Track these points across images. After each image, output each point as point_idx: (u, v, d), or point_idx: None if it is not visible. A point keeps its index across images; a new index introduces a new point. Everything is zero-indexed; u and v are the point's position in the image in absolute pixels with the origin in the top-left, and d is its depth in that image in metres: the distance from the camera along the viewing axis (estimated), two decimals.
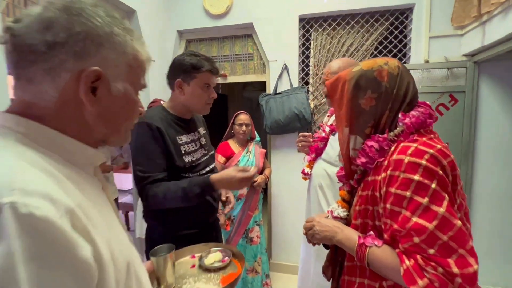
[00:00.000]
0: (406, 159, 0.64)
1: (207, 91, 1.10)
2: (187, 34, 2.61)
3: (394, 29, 2.15)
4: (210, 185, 1.00)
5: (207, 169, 1.21)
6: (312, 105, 2.30)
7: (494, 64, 1.90)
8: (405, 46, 2.16)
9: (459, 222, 0.59)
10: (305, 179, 1.47)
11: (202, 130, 1.27)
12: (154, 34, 2.35)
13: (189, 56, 1.08)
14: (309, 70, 2.36)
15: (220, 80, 2.60)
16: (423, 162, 0.62)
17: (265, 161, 2.20)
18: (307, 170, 1.42)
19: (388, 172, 0.67)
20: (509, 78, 1.89)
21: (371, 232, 0.72)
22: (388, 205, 0.66)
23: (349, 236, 0.76)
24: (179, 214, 1.10)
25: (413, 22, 2.08)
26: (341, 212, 0.85)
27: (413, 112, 0.73)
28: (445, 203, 0.60)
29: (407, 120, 0.71)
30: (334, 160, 1.26)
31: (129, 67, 0.47)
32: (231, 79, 2.61)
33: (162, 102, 2.11)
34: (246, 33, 2.48)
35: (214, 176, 1.01)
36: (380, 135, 0.74)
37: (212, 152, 1.30)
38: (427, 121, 0.73)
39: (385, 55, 2.21)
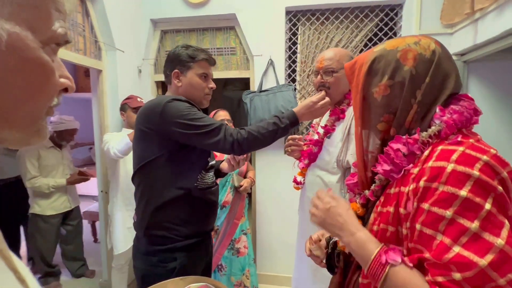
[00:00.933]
0: (450, 167, 0.48)
1: (205, 81, 1.08)
2: (162, 24, 2.35)
3: (384, 26, 2.07)
4: (296, 117, 1.02)
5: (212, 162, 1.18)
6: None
7: (483, 64, 1.87)
8: None
9: None
10: (297, 188, 1.30)
11: None
12: (123, 22, 2.08)
13: (184, 47, 1.08)
14: (296, 66, 2.22)
15: None
16: (475, 172, 0.46)
17: (248, 164, 2.02)
18: (299, 178, 1.25)
19: (421, 182, 0.51)
20: (498, 79, 1.87)
21: (400, 248, 0.57)
22: (417, 225, 0.50)
23: (363, 243, 0.58)
24: (182, 222, 1.01)
25: (403, 19, 2.01)
26: None
27: (453, 107, 0.57)
28: (504, 231, 0.45)
29: (447, 117, 0.56)
30: (331, 167, 1.11)
31: None
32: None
33: (139, 99, 1.88)
34: (228, 25, 2.28)
35: (296, 109, 1.04)
36: (408, 136, 0.59)
37: None
38: (472, 118, 0.57)
39: None
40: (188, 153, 1.02)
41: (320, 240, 0.84)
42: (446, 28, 1.93)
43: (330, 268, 0.77)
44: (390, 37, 2.08)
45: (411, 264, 0.51)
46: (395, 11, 2.06)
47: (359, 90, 0.63)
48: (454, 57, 1.91)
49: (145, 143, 1.00)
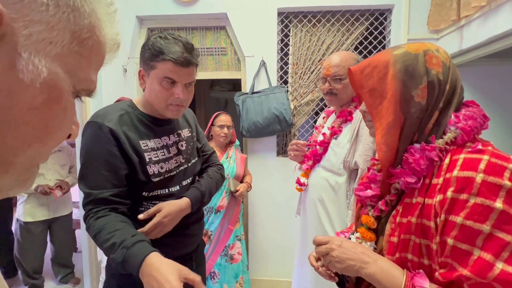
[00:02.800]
0: (479, 177, 0.47)
1: (169, 88, 0.82)
2: (149, 22, 2.25)
3: (373, 30, 2.11)
4: (135, 268, 0.67)
5: (184, 183, 0.95)
6: (291, 106, 2.14)
7: (468, 69, 1.95)
8: (384, 47, 2.13)
9: None
10: (300, 190, 1.28)
11: (186, 132, 1.00)
12: None
13: (156, 38, 0.82)
14: (288, 68, 2.20)
15: None
16: (507, 182, 0.46)
17: (246, 168, 1.97)
18: (303, 180, 1.23)
19: (449, 193, 0.50)
20: (482, 83, 1.96)
21: (421, 271, 0.55)
22: (449, 240, 0.49)
23: (388, 270, 0.56)
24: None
25: (392, 24, 2.06)
26: (369, 245, 0.66)
27: (465, 112, 0.58)
28: None
29: (462, 124, 0.56)
30: (338, 168, 1.09)
31: (74, 41, 0.25)
32: (201, 75, 2.32)
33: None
34: (218, 25, 2.22)
35: (149, 259, 0.67)
36: (425, 143, 0.58)
37: (195, 160, 1.02)
38: (484, 123, 0.58)
39: (365, 56, 2.15)
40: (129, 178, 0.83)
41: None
42: (433, 33, 1.99)
43: (341, 283, 0.74)
44: (380, 41, 2.13)
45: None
46: (384, 16, 2.10)
47: (392, 92, 0.58)
48: None
49: None
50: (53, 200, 2.14)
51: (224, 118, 1.84)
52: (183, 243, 0.96)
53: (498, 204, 0.45)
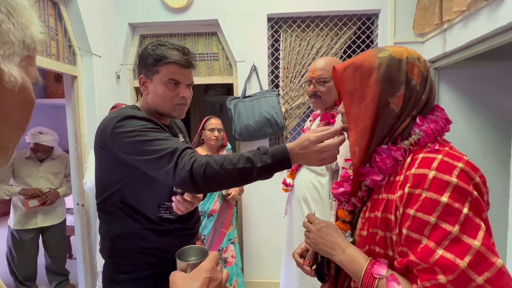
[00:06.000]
0: (431, 174, 0.52)
1: (173, 89, 0.87)
2: (141, 29, 2.29)
3: (361, 34, 2.16)
4: (287, 156, 0.72)
5: None
6: (283, 110, 2.18)
7: (452, 71, 2.01)
8: None
9: (499, 261, 0.47)
10: (286, 190, 1.31)
11: (181, 138, 1.05)
12: (100, 26, 2.00)
13: (155, 46, 0.87)
14: (278, 72, 2.25)
15: None
16: (453, 179, 0.50)
17: None
18: (289, 180, 1.27)
19: (406, 189, 0.54)
20: (466, 84, 2.02)
21: (385, 260, 0.58)
22: (404, 230, 0.53)
23: (354, 259, 0.61)
24: (147, 247, 0.89)
25: (378, 28, 2.11)
26: (347, 237, 0.70)
27: (429, 116, 0.62)
28: (481, 233, 0.48)
29: (425, 127, 0.60)
30: (321, 169, 1.13)
31: (25, 46, 0.32)
32: (194, 80, 2.34)
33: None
34: (210, 31, 2.27)
35: (291, 145, 0.73)
36: (392, 144, 0.62)
37: None
38: (446, 127, 0.62)
39: None
40: (150, 178, 0.83)
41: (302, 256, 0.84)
42: (418, 37, 2.05)
43: (320, 277, 0.77)
44: (368, 45, 2.18)
45: (398, 282, 0.53)
46: (371, 20, 2.16)
47: (371, 95, 0.60)
48: None
49: (103, 163, 0.89)
50: (42, 209, 2.13)
51: (214, 122, 1.87)
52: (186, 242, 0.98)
53: (444, 198, 0.49)
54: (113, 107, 1.80)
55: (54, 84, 3.88)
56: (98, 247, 1.78)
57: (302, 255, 0.82)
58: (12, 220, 2.12)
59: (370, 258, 0.60)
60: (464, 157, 0.54)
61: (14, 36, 0.29)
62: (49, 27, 1.69)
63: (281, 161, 0.72)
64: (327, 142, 0.71)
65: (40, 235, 2.23)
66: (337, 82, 0.70)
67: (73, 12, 1.79)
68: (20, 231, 2.10)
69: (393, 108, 0.59)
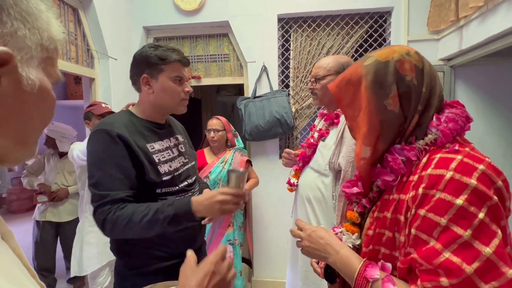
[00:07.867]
0: (448, 174, 0.49)
1: (180, 85, 0.95)
2: (155, 31, 2.35)
3: (373, 32, 2.13)
4: (189, 209, 0.81)
5: (189, 180, 1.02)
6: (293, 109, 2.18)
7: (469, 68, 1.94)
8: None
9: (510, 272, 0.44)
10: (291, 190, 1.32)
11: (181, 138, 1.08)
12: (116, 30, 2.07)
13: (152, 47, 0.93)
14: (289, 72, 2.25)
15: (193, 83, 2.38)
16: (473, 181, 0.47)
17: (252, 170, 1.99)
18: (293, 180, 1.27)
19: (420, 189, 0.53)
20: (483, 82, 1.94)
21: (382, 262, 0.58)
22: (413, 230, 0.52)
23: (347, 260, 0.60)
24: (154, 242, 0.91)
25: (392, 26, 2.07)
26: (355, 239, 0.69)
27: (448, 114, 0.59)
28: (495, 241, 0.45)
29: (443, 126, 0.57)
30: (324, 169, 1.13)
31: (43, 49, 0.34)
32: (206, 81, 2.40)
33: (104, 105, 1.72)
34: (221, 32, 2.30)
35: (196, 198, 0.83)
36: (405, 144, 0.61)
37: (194, 162, 1.10)
38: (466, 126, 0.59)
39: None
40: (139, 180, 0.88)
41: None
42: (433, 34, 2.00)
43: (330, 277, 0.77)
44: (380, 43, 2.14)
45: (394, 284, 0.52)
46: (384, 18, 2.12)
47: (365, 104, 0.60)
48: (441, 62, 1.98)
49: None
50: (56, 204, 2.25)
51: (211, 122, 1.89)
52: (190, 241, 1.01)
53: (459, 201, 0.47)
54: (91, 105, 1.73)
55: (74, 86, 4.06)
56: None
57: None
58: (36, 212, 2.29)
59: (364, 260, 0.59)
60: (487, 159, 0.51)
61: (30, 41, 0.31)
62: (69, 32, 1.77)
63: (185, 212, 0.81)
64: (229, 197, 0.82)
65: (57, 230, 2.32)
66: (335, 100, 0.70)
67: (91, 17, 1.87)
68: (41, 222, 2.24)
69: (392, 110, 0.59)
